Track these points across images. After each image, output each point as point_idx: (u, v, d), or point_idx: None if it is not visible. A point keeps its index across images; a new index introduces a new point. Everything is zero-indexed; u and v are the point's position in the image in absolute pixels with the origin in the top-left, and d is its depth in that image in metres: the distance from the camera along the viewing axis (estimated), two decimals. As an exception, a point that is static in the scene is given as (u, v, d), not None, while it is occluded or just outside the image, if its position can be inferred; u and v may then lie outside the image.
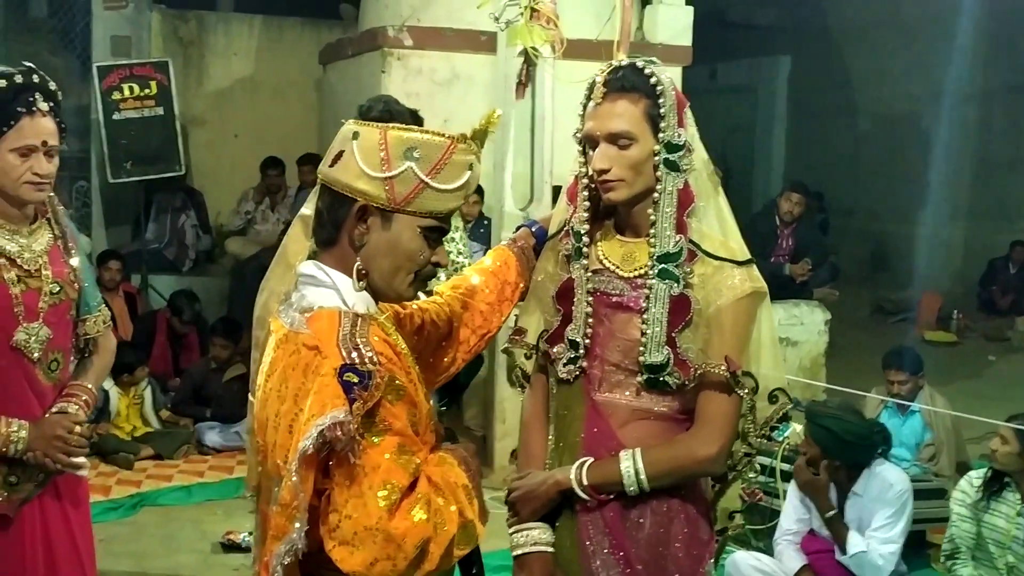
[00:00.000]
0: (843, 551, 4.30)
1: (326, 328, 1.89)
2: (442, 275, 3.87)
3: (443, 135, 1.99)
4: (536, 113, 6.19)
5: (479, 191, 6.93)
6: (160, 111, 8.50)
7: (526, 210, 6.11)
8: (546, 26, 5.98)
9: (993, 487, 4.33)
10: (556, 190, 6.68)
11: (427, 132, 1.99)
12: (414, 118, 2.00)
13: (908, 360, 5.91)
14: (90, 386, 3.00)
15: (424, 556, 1.86)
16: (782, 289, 7.52)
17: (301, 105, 10.14)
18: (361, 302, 1.98)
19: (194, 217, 9.40)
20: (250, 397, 2.06)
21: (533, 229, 2.59)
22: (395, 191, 1.94)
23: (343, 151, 1.97)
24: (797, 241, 8.15)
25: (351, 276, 1.98)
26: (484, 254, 7.05)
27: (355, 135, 1.97)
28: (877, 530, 4.31)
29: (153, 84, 8.45)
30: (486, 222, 7.05)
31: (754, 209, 10.03)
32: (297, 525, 1.82)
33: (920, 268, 13.31)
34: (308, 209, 2.05)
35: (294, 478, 1.79)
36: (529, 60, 6.05)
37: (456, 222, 4.26)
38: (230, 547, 5.16)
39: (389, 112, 4.28)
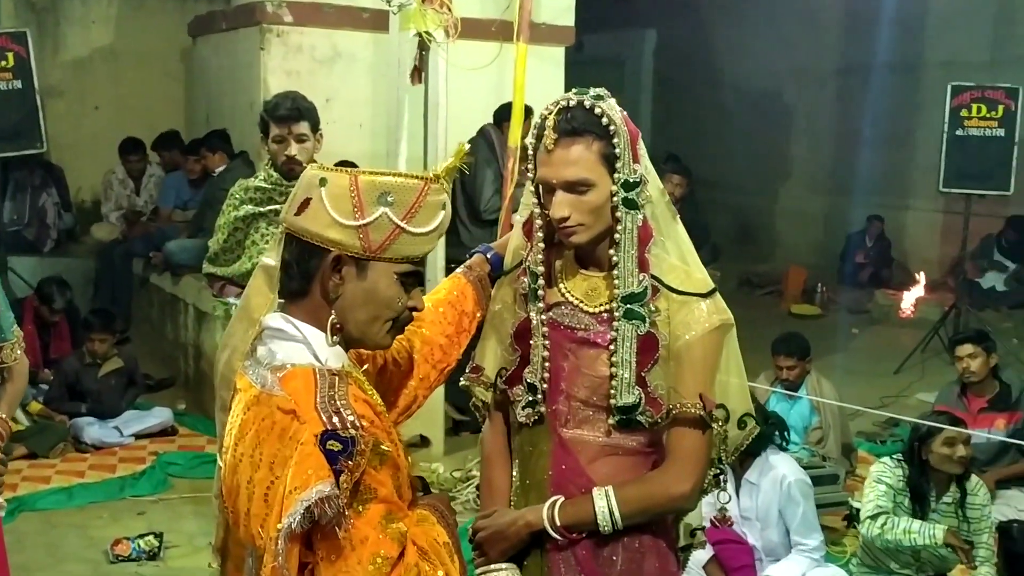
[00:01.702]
0: None
1: (302, 389, 1.78)
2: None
3: (416, 176, 1.91)
4: (429, 98, 6.08)
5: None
6: (19, 84, 8.02)
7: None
8: (439, 10, 5.87)
9: (922, 488, 4.41)
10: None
11: (399, 175, 1.90)
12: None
13: (796, 345, 6.05)
14: (3, 416, 2.83)
15: None
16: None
17: (166, 77, 9.76)
18: (334, 357, 1.88)
19: (55, 195, 8.99)
20: (217, 460, 1.94)
21: (488, 256, 2.51)
22: (370, 239, 1.85)
23: (309, 198, 1.87)
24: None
25: (321, 329, 1.88)
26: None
27: (322, 181, 1.87)
28: (801, 537, 4.41)
29: (10, 56, 7.96)
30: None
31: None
32: None
33: (784, 242, 13.72)
34: (271, 259, 1.94)
35: (280, 559, 1.69)
36: (423, 44, 5.92)
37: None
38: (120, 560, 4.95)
39: (298, 110, 4.13)
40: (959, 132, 8.88)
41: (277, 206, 4.03)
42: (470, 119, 6.93)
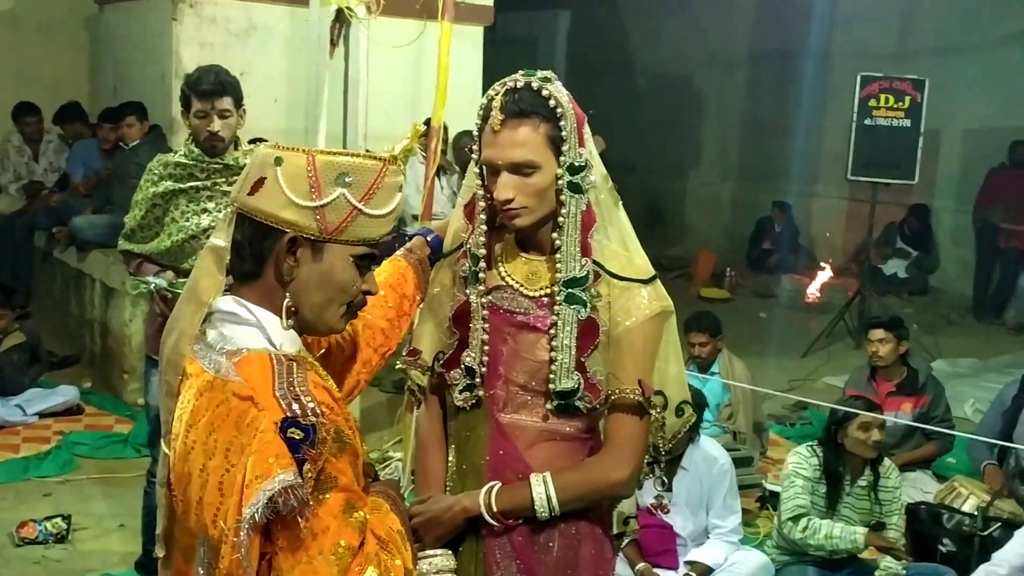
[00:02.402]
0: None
1: (259, 375, 1.73)
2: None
3: (373, 157, 1.87)
4: (350, 74, 6.00)
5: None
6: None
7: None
8: (361, -15, 5.78)
9: (837, 473, 4.47)
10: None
11: (357, 155, 1.86)
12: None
13: (708, 323, 6.12)
14: None
15: None
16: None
17: (71, 46, 9.47)
18: (289, 341, 1.84)
19: (-51, 165, 8.66)
20: (163, 448, 1.88)
21: (428, 238, 2.48)
22: (327, 220, 1.81)
23: (264, 178, 1.81)
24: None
25: (275, 312, 1.83)
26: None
27: (277, 160, 1.81)
28: (719, 519, 4.47)
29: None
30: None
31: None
32: None
33: (695, 226, 13.88)
34: (220, 240, 1.87)
35: (241, 550, 1.64)
36: (343, 19, 5.83)
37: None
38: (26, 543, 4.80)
39: (221, 85, 4.03)
40: (867, 122, 9.08)
41: (198, 183, 3.93)
42: (389, 96, 6.87)
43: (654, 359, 2.31)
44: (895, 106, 9.08)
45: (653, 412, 2.28)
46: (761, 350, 9.04)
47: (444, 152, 6.57)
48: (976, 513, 4.77)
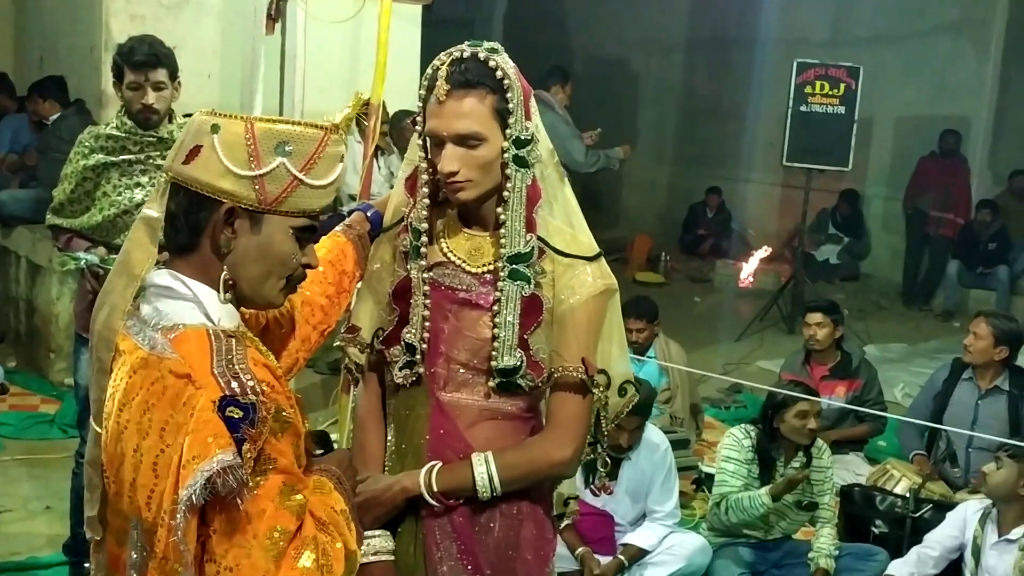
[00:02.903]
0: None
1: (196, 352, 1.67)
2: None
3: (315, 125, 1.81)
4: (287, 50, 5.91)
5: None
6: None
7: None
8: (298, -41, 5.68)
9: (769, 453, 4.51)
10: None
11: (298, 124, 1.80)
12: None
13: (645, 308, 6.12)
14: None
15: None
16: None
17: (-7, 17, 9.19)
18: (227, 316, 1.78)
19: None
20: (94, 427, 1.80)
21: (368, 214, 2.42)
22: (266, 190, 1.75)
23: (200, 146, 1.74)
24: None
25: (212, 286, 1.77)
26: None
27: (214, 128, 1.75)
28: (657, 504, 4.48)
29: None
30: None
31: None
32: None
33: (630, 210, 13.91)
34: (154, 211, 1.80)
35: (178, 532, 1.59)
36: (279, -7, 5.73)
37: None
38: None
39: (156, 56, 3.92)
40: (803, 108, 9.17)
41: (131, 156, 3.82)
42: (327, 73, 6.75)
43: (598, 337, 2.29)
44: (830, 93, 9.17)
45: (596, 391, 2.25)
46: (696, 334, 9.09)
47: (384, 133, 6.49)
48: (908, 495, 4.83)
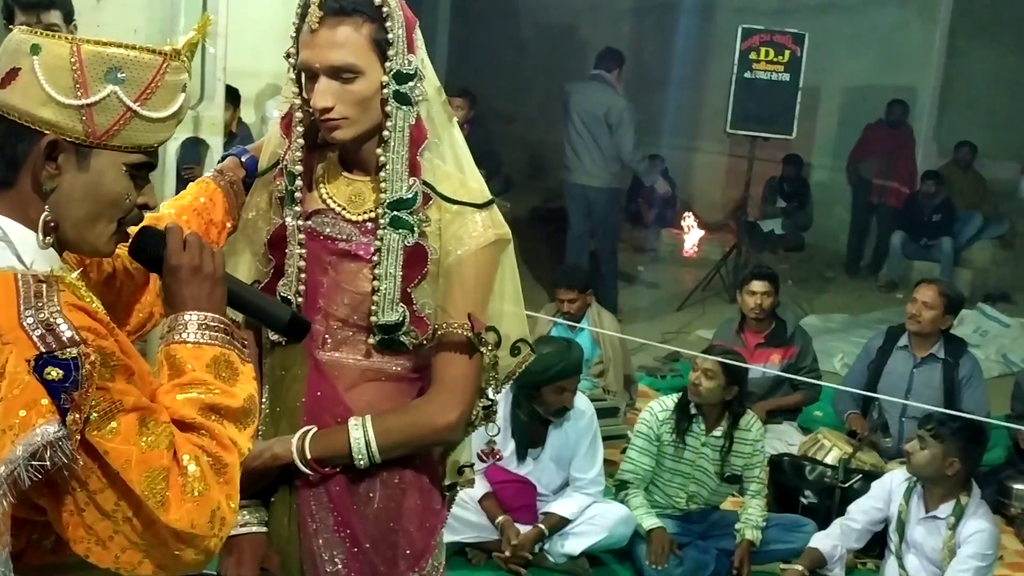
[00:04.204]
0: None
1: (1, 301, 1.47)
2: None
3: (152, 50, 1.61)
4: (208, 3, 5.63)
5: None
6: None
7: (196, 109, 5.58)
8: (220, -96, 5.43)
9: (683, 422, 4.40)
10: (229, 89, 6.20)
11: (131, 48, 1.59)
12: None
13: (577, 278, 5.97)
14: None
15: (223, 509, 1.54)
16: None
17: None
18: (43, 259, 1.57)
19: None
20: None
21: (243, 159, 2.21)
22: (94, 122, 1.55)
23: (18, 68, 1.54)
24: (470, 151, 8.01)
25: (30, 227, 1.57)
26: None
27: (34, 48, 1.54)
28: (579, 472, 4.38)
29: None
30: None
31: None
32: None
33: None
34: None
35: None
36: (199, -58, 5.47)
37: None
38: None
39: None
40: (747, 75, 9.00)
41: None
42: (252, 29, 6.51)
43: (488, 292, 2.12)
44: (775, 60, 9.01)
45: (484, 350, 2.08)
46: (637, 303, 9.02)
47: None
48: (838, 465, 4.73)
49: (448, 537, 4.16)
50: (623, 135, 7.88)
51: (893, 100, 10.65)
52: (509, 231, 2.16)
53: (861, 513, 4.18)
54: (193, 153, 5.25)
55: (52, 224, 1.57)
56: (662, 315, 8.78)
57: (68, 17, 3.67)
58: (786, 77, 9.00)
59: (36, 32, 1.57)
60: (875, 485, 4.24)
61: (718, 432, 4.39)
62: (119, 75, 1.56)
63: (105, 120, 1.55)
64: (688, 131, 12.34)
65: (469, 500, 4.32)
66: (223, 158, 2.27)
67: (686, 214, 11.80)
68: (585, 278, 6.04)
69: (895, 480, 4.16)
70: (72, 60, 1.54)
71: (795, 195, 11.54)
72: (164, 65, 1.60)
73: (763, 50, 9.01)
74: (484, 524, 4.29)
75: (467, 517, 4.26)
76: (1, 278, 1.49)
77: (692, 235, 10.87)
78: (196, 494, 1.49)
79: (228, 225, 2.17)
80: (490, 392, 2.18)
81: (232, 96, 6.16)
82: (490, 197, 2.14)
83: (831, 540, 4.17)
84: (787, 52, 9.01)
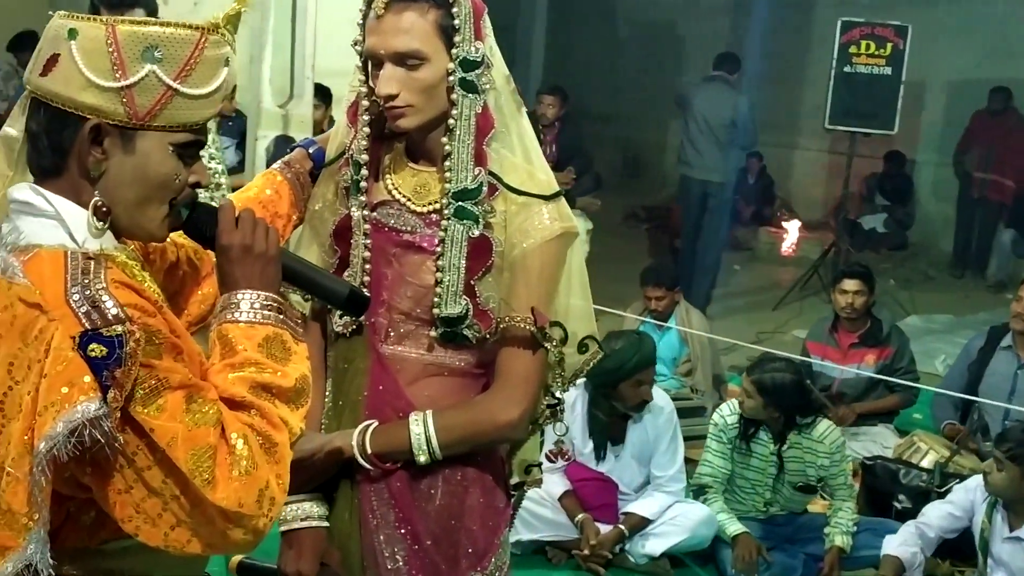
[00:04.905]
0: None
1: (49, 277, 1.47)
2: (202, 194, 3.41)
3: (189, 26, 1.57)
4: (298, 2, 5.71)
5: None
6: None
7: (285, 107, 5.66)
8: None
9: (748, 430, 4.30)
10: (320, 88, 6.28)
11: (167, 24, 1.56)
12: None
13: (665, 275, 5.87)
14: None
15: (272, 488, 1.52)
16: (544, 197, 7.37)
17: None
18: (97, 241, 1.56)
19: None
20: None
21: (311, 151, 2.19)
22: (135, 103, 1.53)
23: (57, 54, 1.53)
24: (560, 148, 8.01)
25: (85, 208, 1.56)
26: (237, 150, 6.55)
27: (71, 33, 1.53)
28: (660, 469, 4.31)
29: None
30: (235, 114, 6.53)
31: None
32: (32, 539, 1.45)
33: (673, 177, 13.59)
34: (13, 128, 1.60)
35: (32, 487, 1.41)
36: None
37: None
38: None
39: None
40: (847, 69, 8.76)
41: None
42: (339, 26, 6.55)
43: (553, 286, 2.07)
44: (876, 53, 8.76)
45: (548, 346, 2.03)
46: (732, 302, 8.88)
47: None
48: (934, 469, 4.56)
49: (527, 535, 4.19)
50: (748, 134, 8.35)
51: (994, 87, 10.28)
52: (576, 224, 2.11)
53: (938, 519, 3.98)
54: (283, 151, 5.28)
55: (104, 209, 1.56)
56: (758, 314, 8.63)
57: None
58: (888, 71, 8.73)
59: (73, 16, 1.56)
60: (957, 490, 4.06)
61: (785, 445, 4.27)
62: (156, 53, 1.53)
63: (146, 100, 1.54)
64: (786, 127, 12.10)
65: (549, 498, 4.29)
66: (291, 149, 2.26)
67: (784, 212, 11.61)
68: (673, 275, 5.94)
69: (979, 492, 3.93)
70: (108, 42, 1.52)
71: (898, 192, 11.24)
72: (202, 40, 1.57)
73: (864, 43, 8.76)
74: (564, 523, 4.25)
75: (547, 515, 4.23)
76: (51, 255, 1.50)
77: (790, 233, 10.66)
78: (244, 473, 1.48)
79: (294, 217, 2.16)
80: (556, 390, 2.14)
81: (323, 94, 6.22)
82: (557, 189, 2.08)
83: (909, 547, 3.96)
84: (889, 45, 8.75)
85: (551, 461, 2.30)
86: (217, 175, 3.57)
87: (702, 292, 8.52)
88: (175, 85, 1.54)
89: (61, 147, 1.55)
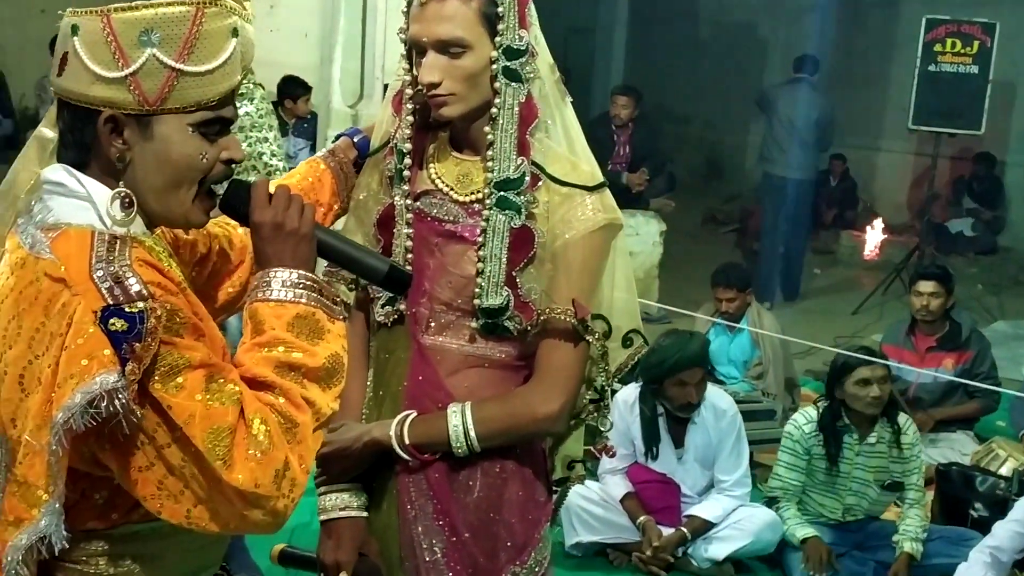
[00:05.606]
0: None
1: (75, 253, 1.48)
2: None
3: (183, 2, 1.54)
4: (368, 3, 5.74)
5: (304, 87, 6.44)
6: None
7: (355, 107, 5.70)
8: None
9: (834, 433, 4.17)
10: (388, 88, 6.29)
11: (159, 4, 1.53)
12: None
13: (736, 277, 5.77)
14: None
15: (293, 470, 1.50)
16: (618, 198, 7.29)
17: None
18: (124, 224, 1.56)
19: (-5, 100, 8.66)
20: None
21: (356, 139, 2.18)
22: (143, 89, 1.52)
23: (66, 52, 1.53)
24: (634, 149, 7.95)
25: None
26: (310, 152, 6.62)
27: (74, 29, 1.52)
28: (723, 473, 4.26)
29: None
30: (310, 116, 6.59)
31: (592, 114, 9.77)
32: (45, 513, 1.46)
33: (753, 179, 13.41)
34: (48, 129, 1.62)
35: (49, 458, 1.42)
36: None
37: (270, 120, 3.79)
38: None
39: None
40: (931, 68, 8.57)
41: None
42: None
43: (595, 278, 2.04)
44: (962, 51, 8.55)
45: (590, 339, 2.00)
46: (812, 306, 8.75)
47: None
48: (1012, 476, 4.41)
49: (588, 537, 4.15)
50: (826, 134, 8.53)
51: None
52: (620, 216, 2.07)
53: (1009, 541, 3.73)
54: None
55: (128, 200, 1.56)
56: (838, 318, 8.46)
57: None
58: (974, 69, 8.52)
59: (75, 12, 1.55)
60: (1019, 505, 3.82)
61: (872, 439, 4.15)
62: (153, 36, 1.51)
63: (152, 85, 1.52)
64: (869, 128, 11.87)
65: (611, 500, 4.24)
66: (337, 138, 2.25)
67: (867, 214, 11.38)
68: (744, 277, 5.84)
69: None
70: (106, 32, 1.51)
71: (986, 195, 10.95)
72: (198, 15, 1.53)
73: (949, 41, 8.55)
74: (626, 525, 4.20)
75: (608, 517, 4.18)
76: (79, 233, 1.51)
77: (873, 236, 10.44)
78: (260, 453, 1.46)
79: (335, 207, 2.15)
80: (600, 385, 2.10)
81: (305, 87, 6.25)
82: (601, 180, 2.05)
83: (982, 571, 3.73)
84: (976, 43, 8.52)
85: (596, 457, 2.26)
86: (279, 172, 3.59)
87: (790, 289, 8.51)
88: (177, 65, 1.52)
89: (84, 143, 1.56)
